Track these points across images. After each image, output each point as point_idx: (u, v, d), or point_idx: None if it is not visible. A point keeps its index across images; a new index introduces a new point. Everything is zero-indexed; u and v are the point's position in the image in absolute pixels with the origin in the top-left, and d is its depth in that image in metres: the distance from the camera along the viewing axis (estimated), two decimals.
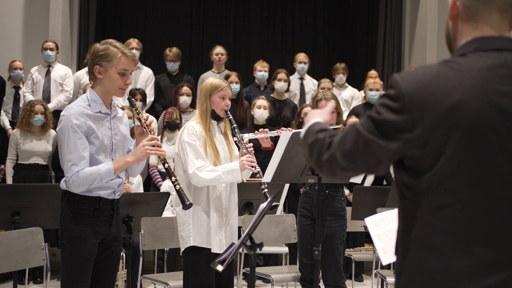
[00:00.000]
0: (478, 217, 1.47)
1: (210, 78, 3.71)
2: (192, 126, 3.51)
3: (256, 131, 3.98)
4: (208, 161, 3.47)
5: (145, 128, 3.05)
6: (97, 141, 2.93)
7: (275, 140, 3.77)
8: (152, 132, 3.03)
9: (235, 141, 3.68)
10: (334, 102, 2.05)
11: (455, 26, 1.60)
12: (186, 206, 3.07)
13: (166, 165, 3.04)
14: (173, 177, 3.05)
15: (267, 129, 3.97)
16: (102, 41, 3.04)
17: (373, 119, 1.53)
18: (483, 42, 1.53)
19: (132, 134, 3.78)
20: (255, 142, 3.95)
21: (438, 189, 1.48)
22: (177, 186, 3.05)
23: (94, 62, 2.96)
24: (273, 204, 3.09)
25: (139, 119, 3.06)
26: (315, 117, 1.80)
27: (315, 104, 4.13)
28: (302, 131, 1.77)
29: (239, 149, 3.66)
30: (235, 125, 3.61)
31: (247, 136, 3.87)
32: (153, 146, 2.95)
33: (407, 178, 1.53)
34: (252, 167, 3.47)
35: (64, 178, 2.96)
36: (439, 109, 1.45)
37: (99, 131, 2.94)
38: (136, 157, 2.96)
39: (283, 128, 4.07)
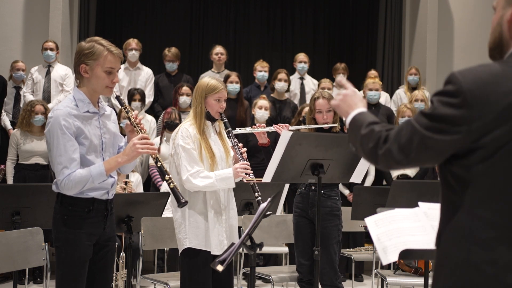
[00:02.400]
0: None
1: (206, 78, 3.62)
2: (186, 129, 3.46)
3: (253, 125, 3.95)
4: (203, 164, 3.43)
5: (135, 127, 3.01)
6: (87, 141, 2.90)
7: (275, 139, 3.76)
8: (142, 131, 2.99)
9: (231, 146, 3.62)
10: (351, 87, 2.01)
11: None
12: (181, 204, 3.04)
13: (159, 164, 3.00)
14: (166, 176, 3.01)
15: (264, 124, 3.95)
16: (87, 39, 3.00)
17: (429, 115, 1.58)
18: None
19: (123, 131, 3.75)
20: (253, 143, 3.93)
21: (489, 184, 1.54)
22: (171, 184, 3.02)
23: (79, 61, 2.91)
24: (267, 213, 3.06)
25: (129, 118, 3.03)
26: (355, 103, 1.87)
27: (313, 102, 4.14)
28: (348, 119, 1.84)
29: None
30: (230, 128, 3.54)
31: (243, 130, 3.83)
32: (144, 144, 2.92)
33: (458, 170, 1.58)
34: (247, 174, 3.42)
35: (55, 180, 2.93)
36: (499, 107, 1.51)
37: (88, 131, 2.90)
38: (127, 157, 2.92)
39: (280, 124, 4.07)
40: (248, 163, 3.47)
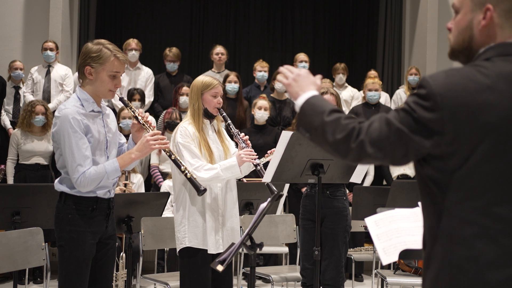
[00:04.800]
0: (505, 210, 1.53)
1: (200, 76, 3.65)
2: (185, 128, 3.47)
3: (262, 158, 3.77)
4: (203, 160, 3.44)
5: (143, 125, 3.05)
6: (93, 139, 2.93)
7: (275, 139, 3.74)
8: (151, 127, 3.04)
9: (232, 137, 3.62)
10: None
11: (486, 34, 1.62)
12: (200, 192, 3.14)
13: (173, 157, 3.10)
14: (182, 167, 3.12)
15: (261, 159, 3.73)
16: (94, 40, 3.02)
17: (404, 112, 1.57)
18: (506, 47, 1.60)
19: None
20: (253, 143, 3.87)
21: (466, 184, 1.54)
22: (187, 174, 3.13)
23: (85, 62, 2.93)
24: (280, 193, 3.08)
25: (136, 117, 3.07)
26: (307, 85, 1.76)
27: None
28: (299, 100, 1.72)
29: (237, 145, 3.63)
30: (229, 121, 3.56)
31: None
32: (156, 140, 2.97)
33: (434, 173, 1.58)
34: (252, 159, 3.42)
35: (58, 180, 2.95)
36: (469, 109, 1.52)
37: (94, 129, 2.94)
38: (140, 153, 2.98)
39: (269, 151, 3.86)
40: (252, 150, 3.47)
